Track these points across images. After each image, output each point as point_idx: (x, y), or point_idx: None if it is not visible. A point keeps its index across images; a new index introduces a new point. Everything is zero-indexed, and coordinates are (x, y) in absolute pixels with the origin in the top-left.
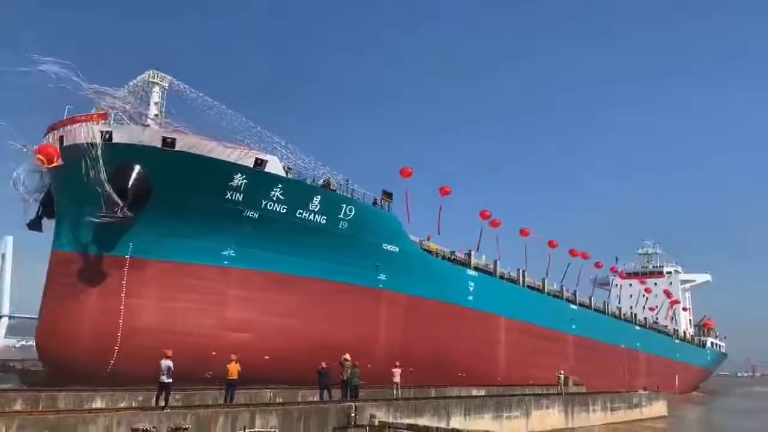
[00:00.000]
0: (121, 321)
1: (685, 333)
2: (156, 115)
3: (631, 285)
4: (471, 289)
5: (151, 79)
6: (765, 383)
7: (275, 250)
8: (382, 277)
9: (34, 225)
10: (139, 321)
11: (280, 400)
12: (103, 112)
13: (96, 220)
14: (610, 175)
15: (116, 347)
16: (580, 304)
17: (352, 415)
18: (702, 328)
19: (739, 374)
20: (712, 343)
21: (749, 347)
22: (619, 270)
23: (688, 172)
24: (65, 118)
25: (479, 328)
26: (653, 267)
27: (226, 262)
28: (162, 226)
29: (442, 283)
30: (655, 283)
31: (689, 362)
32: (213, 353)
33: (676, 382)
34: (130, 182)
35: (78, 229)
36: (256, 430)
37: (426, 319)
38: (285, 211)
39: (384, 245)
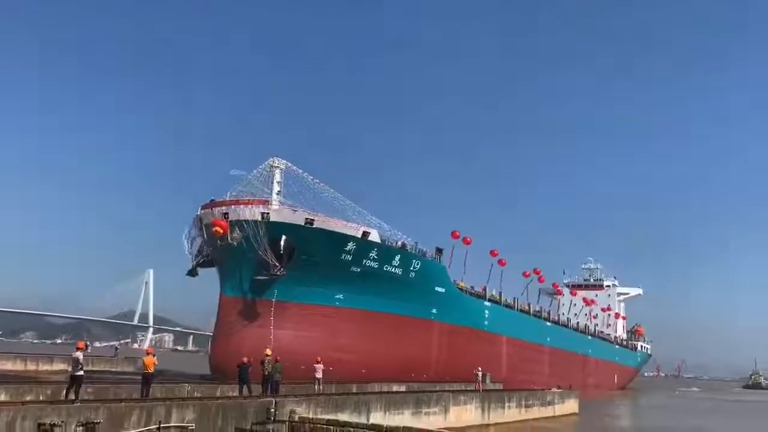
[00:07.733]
0: (271, 346)
1: (620, 338)
2: (278, 192)
3: (576, 295)
4: (486, 315)
5: (273, 164)
6: (670, 383)
7: (368, 294)
8: (434, 311)
9: (192, 273)
10: (282, 344)
11: (198, 395)
12: (264, 199)
13: (263, 278)
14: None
15: None
16: (553, 321)
17: (272, 410)
18: (633, 333)
19: (645, 374)
20: (641, 346)
21: (655, 350)
22: (566, 281)
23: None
24: (227, 198)
25: (491, 345)
26: (594, 280)
27: (337, 303)
28: (297, 278)
29: (469, 313)
30: (596, 295)
31: (625, 363)
32: (330, 368)
33: (615, 380)
34: (282, 249)
35: (238, 281)
36: (172, 424)
37: (461, 341)
38: (377, 266)
39: (436, 287)
